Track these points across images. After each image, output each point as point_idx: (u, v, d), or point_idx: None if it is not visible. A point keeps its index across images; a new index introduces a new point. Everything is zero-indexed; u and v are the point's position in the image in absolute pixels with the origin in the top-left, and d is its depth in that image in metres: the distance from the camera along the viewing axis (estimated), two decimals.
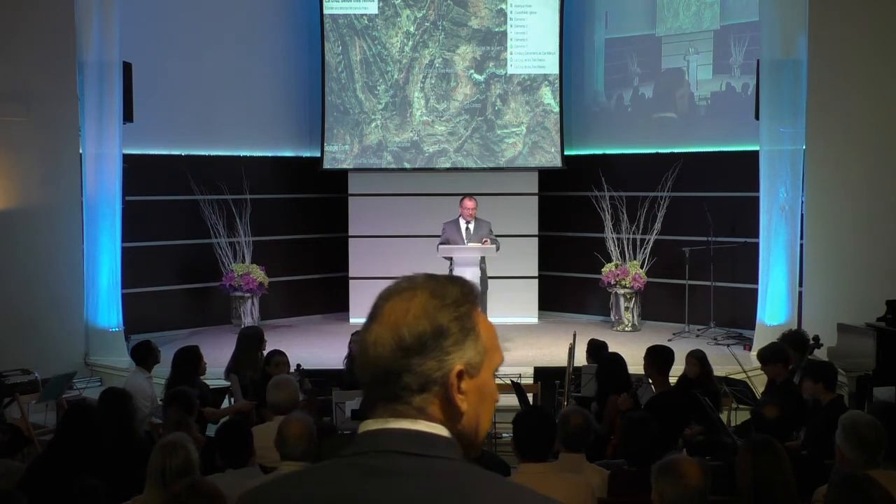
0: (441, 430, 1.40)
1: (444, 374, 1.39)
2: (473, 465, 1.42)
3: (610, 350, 7.26)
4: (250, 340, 7.29)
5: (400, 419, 1.40)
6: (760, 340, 8.95)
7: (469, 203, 9.68)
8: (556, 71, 11.68)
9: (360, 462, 1.39)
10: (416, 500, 1.35)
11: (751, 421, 5.53)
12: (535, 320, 11.64)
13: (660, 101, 11.72)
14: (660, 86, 11.70)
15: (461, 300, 1.43)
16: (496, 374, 1.49)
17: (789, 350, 6.70)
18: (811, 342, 7.24)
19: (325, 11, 11.72)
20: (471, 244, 9.67)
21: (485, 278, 9.44)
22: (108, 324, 9.77)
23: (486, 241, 9.39)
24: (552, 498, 1.40)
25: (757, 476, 3.63)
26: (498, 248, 9.50)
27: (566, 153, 11.80)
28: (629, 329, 11.08)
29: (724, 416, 6.67)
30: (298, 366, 7.35)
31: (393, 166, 11.85)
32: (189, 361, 6.69)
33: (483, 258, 9.47)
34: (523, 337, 10.20)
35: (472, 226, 9.65)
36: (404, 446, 1.38)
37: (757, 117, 9.78)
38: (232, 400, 7.17)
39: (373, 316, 1.44)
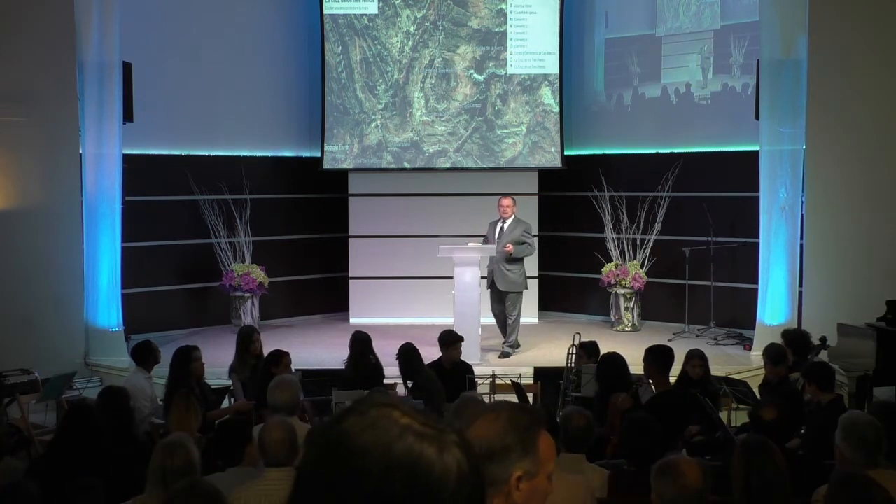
0: None
1: (507, 477, 1.92)
2: None
3: (608, 350, 7.26)
4: (238, 339, 7.43)
5: None
6: (761, 340, 8.95)
7: (503, 201, 9.79)
8: (556, 71, 11.68)
9: None
10: None
11: (749, 422, 5.53)
12: (535, 320, 11.60)
13: (660, 100, 11.71)
14: (660, 86, 11.69)
15: (529, 426, 1.97)
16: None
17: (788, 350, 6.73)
18: (818, 343, 7.24)
19: (325, 11, 11.71)
20: (470, 244, 9.68)
21: (521, 279, 9.64)
22: (107, 324, 9.77)
23: (508, 246, 9.49)
24: None
25: (751, 477, 3.63)
26: (530, 249, 9.72)
27: (566, 153, 11.79)
28: (629, 329, 11.08)
29: (724, 416, 6.67)
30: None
31: (393, 166, 11.84)
32: (180, 362, 6.71)
33: (520, 259, 9.64)
34: (523, 337, 10.19)
35: (506, 225, 9.72)
36: None
37: (757, 117, 9.78)
38: (232, 400, 7.19)
39: (467, 424, 1.94)
